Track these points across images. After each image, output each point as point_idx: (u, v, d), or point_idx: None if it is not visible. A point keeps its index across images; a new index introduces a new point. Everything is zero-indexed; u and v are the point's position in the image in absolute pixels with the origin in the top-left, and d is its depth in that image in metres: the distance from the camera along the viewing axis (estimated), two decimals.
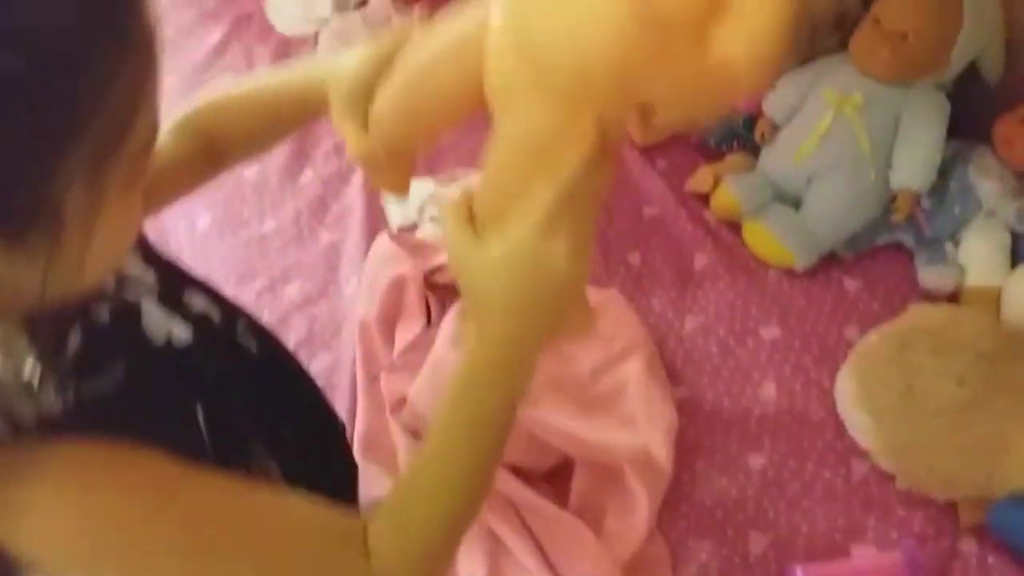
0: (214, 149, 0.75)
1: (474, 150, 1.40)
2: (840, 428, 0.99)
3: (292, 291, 1.15)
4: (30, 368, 0.48)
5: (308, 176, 1.32)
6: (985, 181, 1.13)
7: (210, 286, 0.68)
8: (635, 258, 1.21)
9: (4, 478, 0.47)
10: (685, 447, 0.98)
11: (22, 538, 0.48)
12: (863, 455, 0.96)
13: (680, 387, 1.05)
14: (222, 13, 1.66)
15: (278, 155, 1.35)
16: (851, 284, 1.17)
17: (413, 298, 1.09)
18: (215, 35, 1.61)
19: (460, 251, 0.56)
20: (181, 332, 0.59)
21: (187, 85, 1.51)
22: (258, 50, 1.57)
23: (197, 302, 0.65)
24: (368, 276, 1.14)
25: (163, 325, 0.58)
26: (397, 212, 1.23)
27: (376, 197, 1.27)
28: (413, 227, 1.22)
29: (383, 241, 1.16)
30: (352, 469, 0.82)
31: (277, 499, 0.56)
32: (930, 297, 1.11)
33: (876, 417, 0.92)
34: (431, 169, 1.31)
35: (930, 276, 1.12)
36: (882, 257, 1.20)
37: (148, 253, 0.63)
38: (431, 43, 0.57)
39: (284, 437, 0.67)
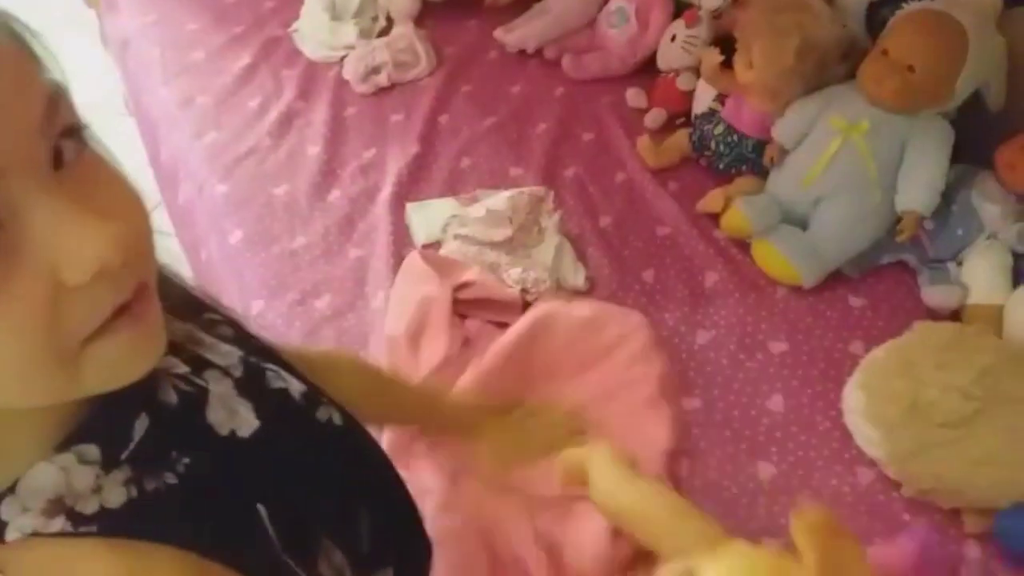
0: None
1: (495, 171, 1.46)
2: (846, 438, 1.03)
3: (322, 304, 1.20)
4: (95, 460, 0.47)
5: (335, 195, 1.37)
6: (987, 204, 1.18)
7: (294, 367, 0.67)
8: (649, 275, 1.26)
9: (58, 565, 0.46)
10: (697, 456, 1.02)
11: None
12: (869, 464, 1.00)
13: (692, 398, 1.09)
14: (250, 38, 1.73)
15: (306, 174, 1.40)
16: (856, 301, 1.21)
17: (441, 317, 1.13)
18: (244, 59, 1.68)
19: None
20: (246, 425, 0.57)
21: (218, 105, 1.57)
22: (285, 73, 1.64)
23: (278, 382, 0.64)
24: (397, 292, 1.19)
25: (226, 418, 0.57)
26: (421, 230, 1.29)
27: (401, 215, 1.32)
28: (437, 244, 1.27)
29: (414, 259, 1.21)
30: (428, 546, 0.81)
31: None
32: (933, 315, 1.15)
33: (883, 429, 0.96)
34: (453, 189, 1.37)
35: (934, 295, 1.16)
36: (887, 276, 1.25)
37: (239, 333, 0.64)
38: None
39: (359, 517, 0.66)
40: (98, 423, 0.48)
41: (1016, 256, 1.16)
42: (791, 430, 1.05)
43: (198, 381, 0.56)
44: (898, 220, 1.20)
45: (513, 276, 1.19)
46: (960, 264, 1.18)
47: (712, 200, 1.32)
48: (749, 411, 1.07)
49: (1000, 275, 1.13)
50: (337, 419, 0.69)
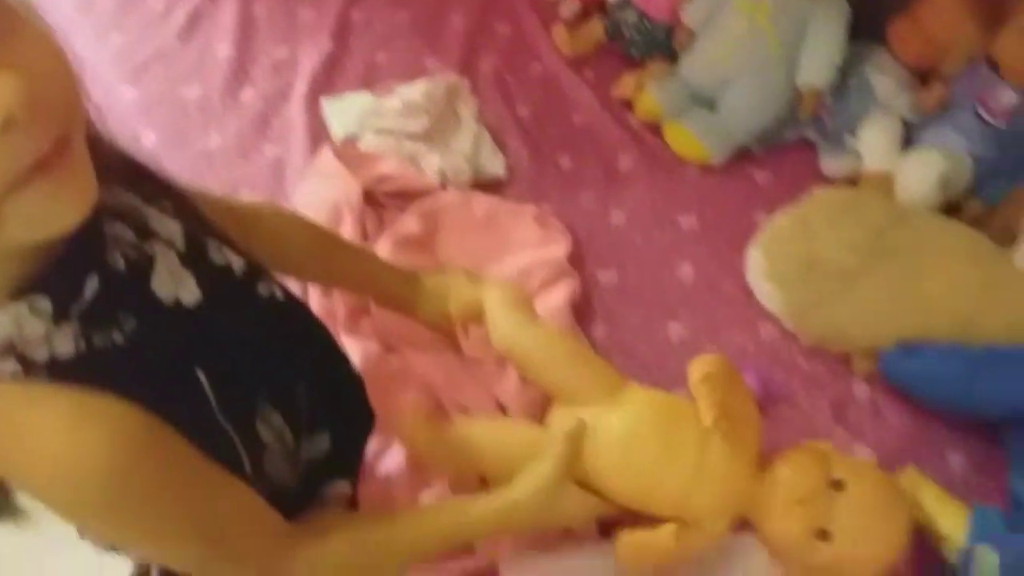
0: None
1: (410, 65, 1.45)
2: (750, 299, 1.09)
3: None
4: (47, 312, 0.50)
5: (249, 94, 1.36)
6: (881, 77, 1.24)
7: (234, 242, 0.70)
8: (566, 161, 1.29)
9: (12, 405, 0.49)
10: (613, 321, 1.08)
11: (17, 457, 0.51)
12: (770, 320, 1.07)
13: (607, 271, 1.14)
14: None
15: (217, 75, 1.38)
16: (761, 176, 1.27)
17: (348, 225, 1.14)
18: None
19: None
20: (189, 295, 0.60)
21: (119, 7, 1.51)
22: None
23: (219, 257, 0.66)
24: (309, 189, 1.19)
25: (172, 287, 0.59)
26: (339, 124, 1.29)
27: (316, 112, 1.32)
28: (355, 138, 1.27)
29: (326, 156, 1.21)
30: (370, 419, 0.85)
31: (234, 488, 0.61)
32: (832, 184, 1.22)
33: (781, 286, 1.03)
34: (369, 84, 1.37)
35: (830, 164, 1.23)
36: (790, 152, 1.31)
37: (180, 206, 0.65)
38: None
39: (297, 383, 0.71)
40: (50, 278, 0.50)
41: (906, 124, 1.22)
42: (700, 295, 1.12)
43: (145, 249, 0.59)
44: (800, 96, 1.26)
45: (432, 166, 1.21)
46: (856, 135, 1.25)
47: (625, 86, 1.35)
48: (661, 280, 1.13)
49: (891, 143, 1.20)
50: (279, 294, 0.73)
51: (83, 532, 0.61)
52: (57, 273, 0.50)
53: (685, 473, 0.77)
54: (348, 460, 0.81)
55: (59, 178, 0.44)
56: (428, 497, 0.89)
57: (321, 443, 0.74)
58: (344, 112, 1.29)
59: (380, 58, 1.42)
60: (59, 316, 0.50)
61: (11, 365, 0.49)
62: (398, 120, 1.25)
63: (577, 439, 0.77)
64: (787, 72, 1.25)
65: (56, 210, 0.45)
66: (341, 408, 0.78)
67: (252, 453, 0.63)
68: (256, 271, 0.70)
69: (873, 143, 1.21)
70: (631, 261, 1.15)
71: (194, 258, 0.63)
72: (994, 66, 1.16)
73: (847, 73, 1.26)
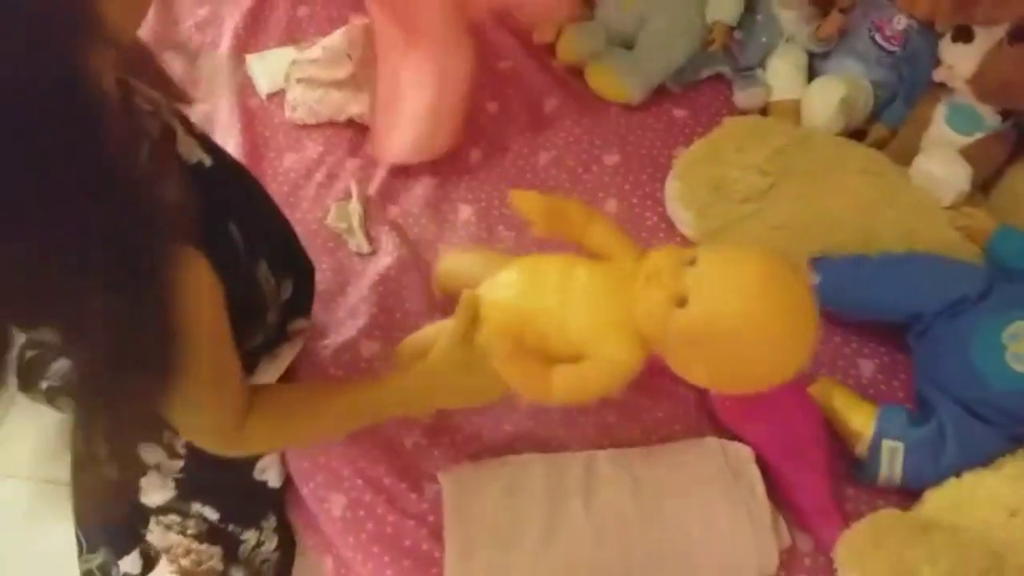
0: None
1: (333, 19, 1.46)
2: (670, 228, 1.16)
3: None
4: None
5: (172, 54, 1.36)
6: (785, 11, 1.30)
7: None
8: (493, 107, 1.33)
9: None
10: None
11: None
12: (690, 246, 1.14)
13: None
14: None
15: (143, 35, 1.37)
16: (679, 113, 1.33)
17: None
18: None
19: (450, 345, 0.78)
20: (205, 158, 0.70)
21: None
22: None
23: (199, 130, 0.75)
24: None
25: (190, 151, 0.69)
26: (264, 80, 1.30)
27: (241, 66, 1.33)
28: (281, 93, 1.29)
29: None
30: (310, 268, 0.97)
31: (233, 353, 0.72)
32: (744, 115, 1.28)
33: (695, 210, 1.09)
34: (293, 39, 1.38)
35: (742, 97, 1.29)
36: (706, 89, 1.36)
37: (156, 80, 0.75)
38: None
39: (269, 238, 0.83)
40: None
41: (810, 56, 1.29)
42: (624, 227, 1.15)
43: (163, 117, 0.68)
44: (711, 33, 1.31)
45: (354, 112, 1.24)
46: (765, 69, 1.31)
47: (546, 31, 1.39)
48: None
49: (797, 72, 1.27)
50: (236, 165, 0.85)
51: None
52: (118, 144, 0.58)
53: (551, 301, 0.75)
54: (304, 301, 0.93)
55: None
56: None
57: (286, 289, 0.86)
58: (269, 67, 1.31)
59: (302, 12, 1.43)
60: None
61: None
62: (321, 69, 1.26)
63: (471, 303, 0.79)
64: (698, 10, 1.31)
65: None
66: (294, 258, 0.91)
67: (269, 298, 0.78)
68: (217, 146, 0.80)
69: (780, 74, 1.27)
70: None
71: (187, 128, 0.72)
72: None
73: (754, 8, 1.32)
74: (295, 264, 0.91)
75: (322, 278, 1.10)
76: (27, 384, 0.76)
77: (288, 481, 0.99)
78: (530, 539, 0.81)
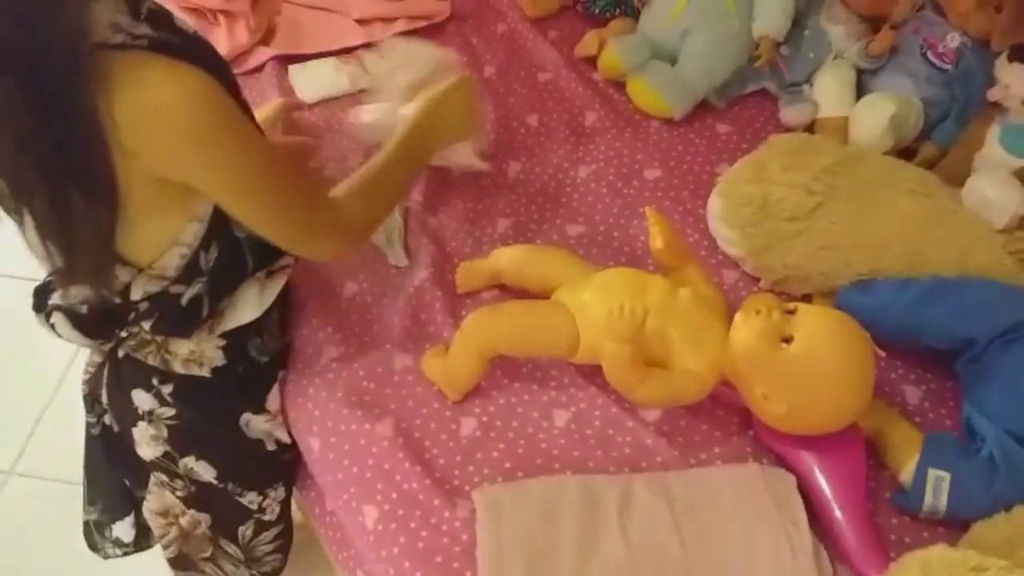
0: None
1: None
2: (712, 246, 1.14)
3: None
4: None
5: None
6: (834, 26, 1.28)
7: None
8: (533, 119, 1.33)
9: (126, 67, 0.70)
10: None
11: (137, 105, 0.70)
12: (732, 266, 1.12)
13: (576, 224, 1.18)
14: None
15: None
16: (722, 128, 1.31)
17: None
18: None
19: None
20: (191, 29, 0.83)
21: None
22: None
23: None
24: None
25: (183, 23, 0.81)
26: (308, 90, 1.31)
27: (285, 78, 1.34)
28: (322, 102, 1.30)
29: None
30: None
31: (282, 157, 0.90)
32: (790, 132, 1.26)
33: (739, 229, 1.07)
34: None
35: (789, 113, 1.27)
36: (750, 104, 1.34)
37: None
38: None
39: None
40: None
41: (859, 72, 1.27)
42: None
43: None
44: (756, 47, 1.29)
45: None
46: (812, 85, 1.29)
47: (588, 43, 1.38)
48: (627, 231, 1.17)
49: (845, 89, 1.24)
50: None
51: (197, 165, 0.78)
52: None
53: (655, 311, 0.88)
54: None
55: None
56: None
57: None
58: (311, 78, 1.32)
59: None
60: (134, 14, 0.74)
61: (121, 37, 0.71)
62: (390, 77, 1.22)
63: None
64: (742, 23, 1.29)
65: None
66: None
67: None
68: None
69: (828, 90, 1.25)
70: (599, 214, 1.19)
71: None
72: (940, 11, 1.20)
73: (801, 23, 1.30)
74: None
75: (359, 290, 1.10)
76: None
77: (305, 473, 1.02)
78: (567, 563, 0.80)
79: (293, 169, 0.88)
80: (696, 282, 0.94)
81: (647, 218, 0.96)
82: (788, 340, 0.85)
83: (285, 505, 1.10)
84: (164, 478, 1.01)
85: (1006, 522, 0.83)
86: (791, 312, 0.87)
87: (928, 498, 0.86)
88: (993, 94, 1.13)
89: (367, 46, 1.38)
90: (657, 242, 0.93)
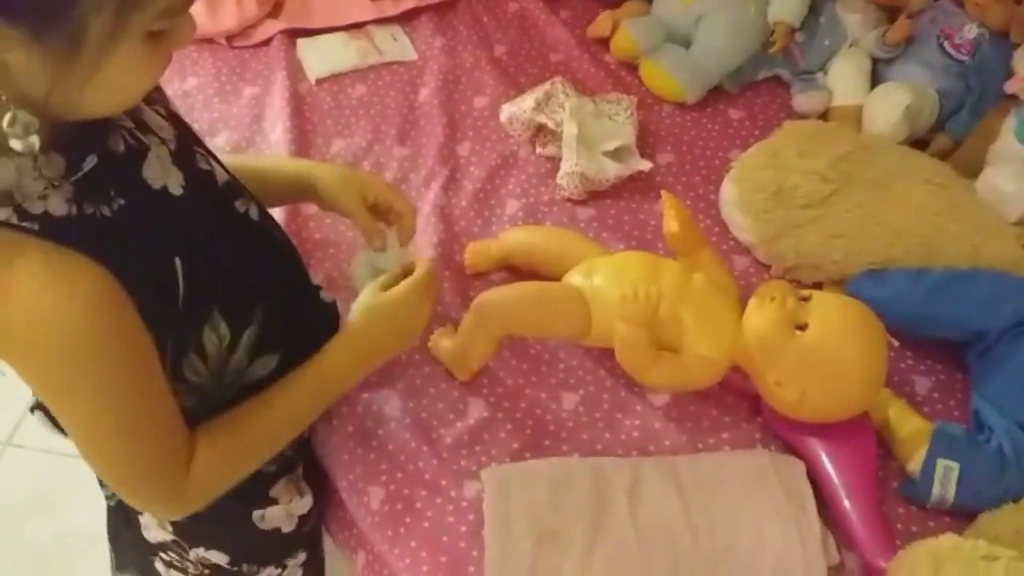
0: None
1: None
2: (724, 232, 1.13)
3: (220, 141, 1.21)
4: (44, 160, 0.56)
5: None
6: (850, 14, 1.27)
7: (221, 160, 0.76)
8: None
9: (4, 259, 0.55)
10: None
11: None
12: (743, 252, 1.11)
13: (586, 208, 1.16)
14: None
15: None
16: (735, 114, 1.30)
17: None
18: None
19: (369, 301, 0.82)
20: (176, 188, 0.66)
21: None
22: None
23: (204, 164, 0.72)
24: None
25: (161, 176, 0.65)
26: (315, 65, 1.29)
27: (293, 52, 1.32)
28: (331, 78, 1.28)
29: None
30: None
31: (159, 395, 0.66)
32: (803, 119, 1.25)
33: (752, 215, 1.06)
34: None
35: (802, 100, 1.26)
36: (763, 90, 1.33)
37: (171, 114, 0.72)
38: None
39: (256, 303, 0.75)
40: (58, 149, 0.57)
41: (874, 60, 1.25)
42: None
43: (142, 138, 0.65)
44: (771, 33, 1.28)
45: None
46: (826, 72, 1.27)
47: (601, 24, 1.37)
48: (638, 216, 1.16)
49: (860, 77, 1.23)
50: (254, 214, 0.78)
51: (35, 388, 0.64)
52: (63, 146, 0.57)
53: (669, 295, 0.87)
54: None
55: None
56: None
57: (268, 364, 0.79)
58: (320, 53, 1.30)
59: None
60: (62, 176, 0.58)
61: (6, 213, 0.55)
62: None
63: (432, 269, 0.87)
64: (758, 8, 1.28)
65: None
66: (297, 334, 0.81)
67: (183, 352, 0.69)
68: (236, 187, 0.76)
69: (843, 78, 1.24)
70: (610, 197, 1.18)
71: (183, 159, 0.69)
72: (958, 1, 1.19)
73: (817, 10, 1.29)
74: (297, 342, 0.81)
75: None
76: None
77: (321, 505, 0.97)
78: (575, 545, 0.79)
79: (152, 424, 0.66)
80: (709, 267, 0.93)
81: (663, 202, 0.94)
82: (802, 327, 0.84)
83: (310, 564, 1.01)
84: (175, 558, 0.93)
85: (1015, 513, 0.83)
86: (805, 299, 0.86)
87: (936, 488, 0.86)
88: (1010, 86, 1.13)
89: (377, 21, 1.36)
90: (672, 226, 0.92)
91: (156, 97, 0.72)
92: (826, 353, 0.83)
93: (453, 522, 0.87)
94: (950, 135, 1.22)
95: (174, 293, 0.65)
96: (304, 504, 0.93)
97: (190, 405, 0.73)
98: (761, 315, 0.86)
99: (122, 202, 0.61)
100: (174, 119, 0.72)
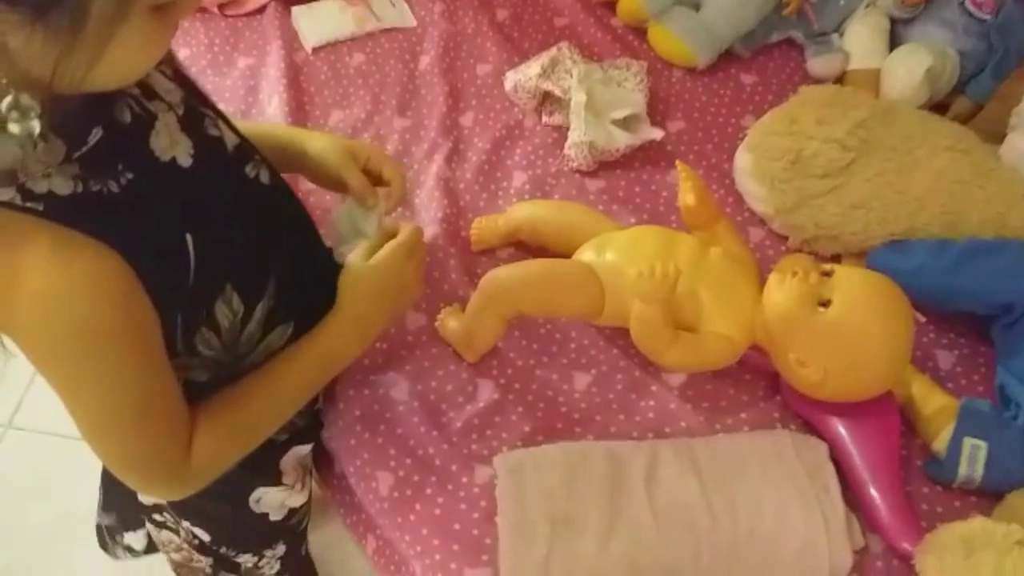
0: None
1: None
2: (739, 203, 1.09)
3: None
4: (43, 145, 0.53)
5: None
6: None
7: (231, 121, 0.73)
8: None
9: (9, 241, 0.53)
10: None
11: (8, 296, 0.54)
12: (759, 224, 1.07)
13: (596, 179, 1.12)
14: None
15: None
16: (747, 79, 1.25)
17: None
18: None
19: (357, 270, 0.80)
20: (185, 158, 0.64)
21: None
22: None
23: (213, 129, 0.69)
24: None
25: (169, 146, 0.63)
26: (311, 33, 1.24)
27: (288, 20, 1.27)
28: (327, 46, 1.23)
29: None
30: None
31: (163, 376, 0.65)
32: (819, 84, 1.20)
33: (768, 184, 1.02)
34: None
35: (817, 64, 1.21)
36: (776, 53, 1.28)
37: (178, 74, 0.68)
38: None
39: (269, 272, 0.73)
40: (62, 125, 0.54)
41: (892, 21, 1.21)
42: None
43: (148, 106, 0.62)
44: None
45: None
46: (842, 34, 1.23)
47: None
48: (650, 187, 1.12)
49: (878, 39, 1.18)
50: (265, 178, 0.75)
51: (41, 371, 0.62)
52: (66, 123, 0.54)
53: (685, 270, 0.82)
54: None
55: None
56: None
57: (283, 334, 0.77)
58: (316, 20, 1.25)
59: None
60: (65, 157, 0.55)
61: (10, 193, 0.53)
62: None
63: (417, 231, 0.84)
64: None
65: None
66: (309, 301, 0.79)
67: (195, 327, 0.67)
68: (246, 151, 0.73)
69: (860, 40, 1.19)
70: (619, 168, 1.14)
71: (191, 125, 0.66)
72: None
73: None
74: (309, 309, 0.78)
75: None
76: None
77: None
78: (592, 530, 0.77)
79: (156, 406, 0.64)
80: (726, 241, 0.89)
81: (677, 173, 0.90)
82: (825, 304, 0.81)
83: (289, 559, 1.01)
84: (168, 519, 0.94)
85: None
86: (828, 274, 0.83)
87: (963, 468, 0.83)
88: None
89: None
90: (689, 199, 0.88)
91: (163, 57, 0.68)
92: (851, 330, 0.80)
93: (465, 509, 0.84)
94: (971, 98, 1.17)
95: (185, 270, 0.63)
96: (299, 498, 0.92)
97: (204, 379, 0.72)
98: (783, 291, 0.82)
99: (130, 176, 0.58)
100: (181, 80, 0.69)
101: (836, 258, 1.03)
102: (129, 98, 0.61)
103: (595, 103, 1.10)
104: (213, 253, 0.64)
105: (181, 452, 0.67)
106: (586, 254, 0.91)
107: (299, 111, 1.18)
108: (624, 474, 0.81)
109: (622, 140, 1.09)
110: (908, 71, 1.12)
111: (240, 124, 0.78)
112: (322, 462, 1.04)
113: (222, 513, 0.89)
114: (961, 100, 1.17)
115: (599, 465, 0.82)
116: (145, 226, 0.59)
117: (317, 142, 0.86)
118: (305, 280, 0.79)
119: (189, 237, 0.62)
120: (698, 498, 0.79)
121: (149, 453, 0.66)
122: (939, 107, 1.17)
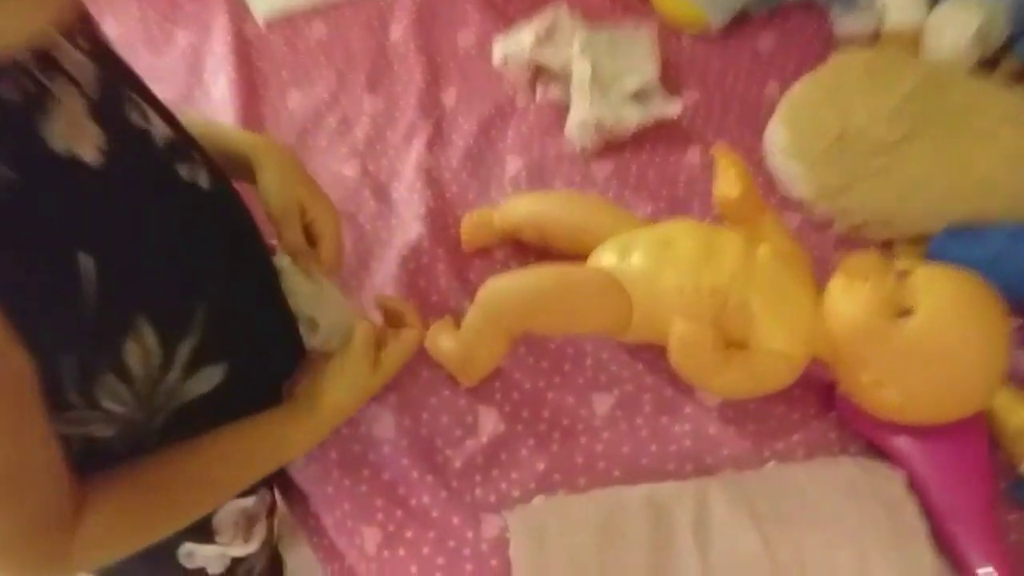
0: None
1: None
2: (769, 184, 0.94)
3: None
4: None
5: None
6: None
7: (169, 109, 0.61)
8: None
9: None
10: None
11: None
12: (794, 208, 0.93)
13: (602, 162, 0.97)
14: None
15: None
16: (766, 42, 1.10)
17: None
18: None
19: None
20: (91, 154, 0.49)
21: None
22: None
23: (138, 119, 0.55)
24: None
25: (68, 138, 0.48)
26: (262, 3, 1.07)
27: None
28: (282, 18, 1.06)
29: None
30: (294, 354, 0.75)
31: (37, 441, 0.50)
32: (846, 46, 1.06)
33: (809, 164, 0.88)
34: None
35: (847, 24, 1.07)
36: (795, 14, 1.14)
37: (98, 48, 0.55)
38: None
39: (197, 303, 0.58)
40: None
41: None
42: (710, 182, 0.96)
43: (46, 83, 0.49)
44: None
45: None
46: None
47: None
48: (664, 169, 0.97)
49: None
50: (204, 182, 0.60)
51: None
52: None
53: (731, 277, 0.70)
54: (241, 398, 0.67)
55: None
56: None
57: (211, 377, 0.62)
58: None
59: None
60: None
61: None
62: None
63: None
64: None
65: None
66: (251, 336, 0.66)
67: (94, 374, 0.53)
68: (182, 148, 0.59)
69: None
70: (629, 149, 0.99)
71: (107, 112, 0.52)
72: None
73: None
74: (250, 347, 0.66)
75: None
76: None
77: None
78: None
79: (29, 477, 0.51)
80: (773, 236, 0.75)
81: (716, 160, 0.75)
82: (905, 313, 0.66)
83: None
84: None
85: None
86: (904, 275, 0.68)
87: None
88: None
89: None
90: (734, 190, 0.72)
91: (82, 28, 0.54)
92: (940, 344, 0.65)
93: (472, 571, 0.69)
94: (1020, 58, 1.03)
95: (74, 299, 0.49)
96: (245, 549, 0.78)
97: (108, 436, 0.59)
98: (853, 300, 0.67)
99: (11, 176, 0.44)
100: (101, 58, 0.54)
101: (888, 244, 0.89)
102: (20, 72, 0.47)
103: (600, 75, 0.94)
104: (120, 278, 0.50)
105: (59, 534, 0.54)
106: (606, 258, 0.75)
107: (251, 92, 1.01)
108: (668, 526, 0.66)
109: (634, 117, 0.93)
110: (956, 31, 0.98)
111: (192, 120, 0.62)
112: (293, 496, 0.87)
113: (148, 573, 0.75)
114: (1009, 60, 1.03)
115: (637, 517, 0.67)
116: (20, 241, 0.45)
117: (269, 173, 0.71)
118: (245, 309, 0.64)
119: (82, 257, 0.48)
120: (760, 552, 0.65)
121: (19, 532, 0.52)
122: (985, 67, 1.03)
